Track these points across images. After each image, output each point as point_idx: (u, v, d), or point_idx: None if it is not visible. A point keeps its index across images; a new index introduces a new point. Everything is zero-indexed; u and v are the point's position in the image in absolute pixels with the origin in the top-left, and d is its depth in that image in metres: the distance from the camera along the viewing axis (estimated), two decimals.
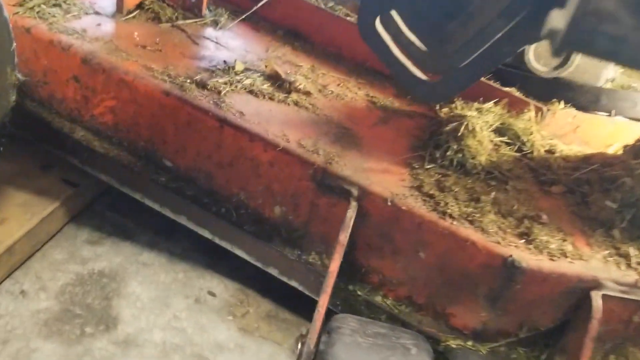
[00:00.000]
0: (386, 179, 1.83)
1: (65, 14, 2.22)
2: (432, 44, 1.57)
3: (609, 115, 2.31)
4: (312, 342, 1.55)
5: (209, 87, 2.02)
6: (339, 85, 2.34)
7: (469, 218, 1.72)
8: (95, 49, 2.05)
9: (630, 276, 1.70)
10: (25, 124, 2.22)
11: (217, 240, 2.08)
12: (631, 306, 1.67)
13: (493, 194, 1.85)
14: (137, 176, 2.11)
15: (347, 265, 1.81)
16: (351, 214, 1.69)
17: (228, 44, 2.40)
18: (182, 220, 2.11)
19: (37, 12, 2.17)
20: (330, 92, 2.25)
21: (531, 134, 2.12)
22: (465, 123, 1.93)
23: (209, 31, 2.47)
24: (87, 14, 2.28)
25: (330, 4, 2.74)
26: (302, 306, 2.24)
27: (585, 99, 2.32)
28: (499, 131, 2.11)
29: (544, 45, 2.43)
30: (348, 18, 2.60)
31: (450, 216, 1.71)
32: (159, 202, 2.12)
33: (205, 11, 2.53)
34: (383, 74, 2.49)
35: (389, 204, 1.73)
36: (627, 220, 1.83)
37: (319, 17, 2.59)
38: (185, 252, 2.35)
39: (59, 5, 2.27)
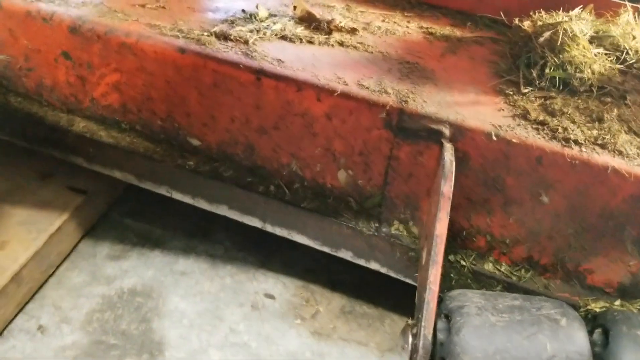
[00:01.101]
0: (480, 111, 1.50)
1: None
2: None
3: None
4: (429, 331, 1.23)
5: (232, 37, 1.70)
6: (383, 21, 2.02)
7: (599, 142, 1.40)
8: (84, 13, 1.74)
9: None
10: (12, 126, 1.92)
11: (269, 228, 1.77)
12: None
13: (615, 110, 1.53)
14: (159, 165, 1.80)
15: None
16: (449, 157, 1.37)
17: None
18: (222, 210, 1.79)
19: None
20: (376, 28, 1.93)
21: (634, 40, 1.79)
22: (564, 29, 1.60)
23: None
24: None
25: None
26: (381, 295, 1.93)
27: None
28: (594, 41, 1.78)
29: None
30: None
31: (576, 142, 1.39)
32: (190, 192, 1.81)
33: None
34: (431, 4, 2.17)
35: (494, 139, 1.41)
36: None
37: None
38: (228, 253, 2.04)
39: None
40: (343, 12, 2.03)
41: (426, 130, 1.45)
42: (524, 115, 1.50)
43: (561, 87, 1.62)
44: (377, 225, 1.62)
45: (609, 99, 1.60)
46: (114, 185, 2.09)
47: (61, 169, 2.05)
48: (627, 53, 1.77)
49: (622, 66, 1.76)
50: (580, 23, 1.74)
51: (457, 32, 1.99)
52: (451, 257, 1.54)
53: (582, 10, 1.84)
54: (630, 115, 1.52)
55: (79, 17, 1.71)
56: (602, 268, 1.45)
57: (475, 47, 1.90)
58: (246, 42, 1.69)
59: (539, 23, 1.70)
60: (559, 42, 1.59)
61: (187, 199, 1.82)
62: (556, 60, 1.60)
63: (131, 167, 1.87)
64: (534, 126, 1.46)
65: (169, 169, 1.78)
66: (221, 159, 1.74)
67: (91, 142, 1.85)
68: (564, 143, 1.40)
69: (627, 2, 1.88)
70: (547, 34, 1.62)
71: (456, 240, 1.54)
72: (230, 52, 1.63)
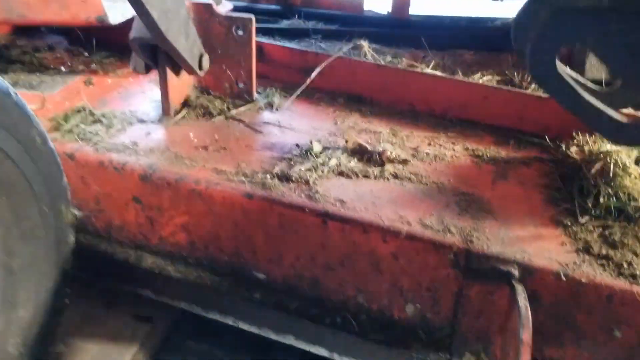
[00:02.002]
0: (543, 246, 1.56)
1: (108, 130, 2.04)
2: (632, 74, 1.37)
3: None
4: None
5: (293, 178, 1.79)
6: (430, 144, 2.11)
7: None
8: (153, 161, 1.85)
9: None
10: (80, 262, 2.00)
11: (336, 357, 1.80)
12: None
13: None
14: (225, 297, 1.86)
15: None
16: (524, 301, 1.41)
17: (292, 125, 2.20)
18: (289, 340, 1.84)
19: (77, 134, 1.99)
20: (425, 154, 2.02)
21: None
22: (615, 160, 1.67)
23: (267, 115, 2.28)
24: (131, 124, 2.11)
25: (389, 59, 2.56)
26: None
27: None
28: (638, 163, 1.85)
29: None
30: (412, 69, 2.41)
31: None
32: (257, 323, 1.86)
33: (255, 94, 2.36)
34: (470, 121, 2.27)
35: (564, 278, 1.45)
36: None
37: (381, 74, 2.41)
38: None
39: (100, 122, 2.10)
40: (389, 137, 2.12)
41: (495, 271, 1.50)
42: (587, 249, 1.54)
43: (619, 215, 1.67)
44: (447, 357, 1.64)
45: None
46: (175, 309, 2.14)
47: (125, 296, 2.11)
48: None
49: None
50: (624, 147, 1.81)
51: (502, 153, 2.07)
52: None
53: None
54: None
55: (149, 165, 1.82)
56: None
57: (523, 168, 1.97)
58: (307, 182, 1.78)
59: (586, 149, 1.78)
60: (610, 173, 1.66)
61: (253, 329, 1.87)
62: (609, 190, 1.66)
63: (197, 298, 1.93)
64: (599, 261, 1.50)
65: (235, 301, 1.84)
66: (286, 291, 1.79)
67: (159, 276, 1.93)
68: (631, 280, 1.43)
69: None
70: (598, 165, 1.69)
71: None
72: (293, 194, 1.71)
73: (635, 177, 1.67)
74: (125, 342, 1.96)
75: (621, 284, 1.42)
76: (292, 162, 1.90)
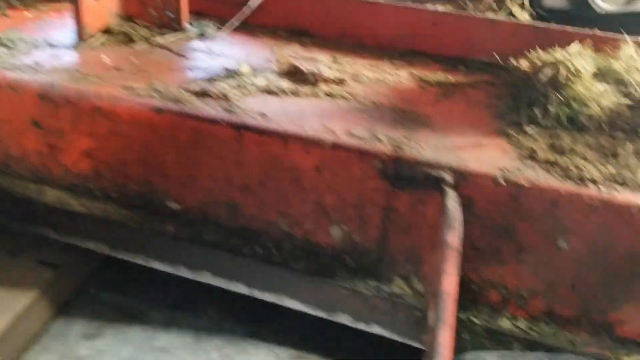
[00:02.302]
0: (483, 154, 1.38)
1: (10, 51, 1.83)
2: None
3: None
4: None
5: (212, 94, 1.60)
6: (373, 71, 1.93)
7: (618, 179, 1.26)
8: (55, 79, 1.65)
9: None
10: None
11: (256, 294, 1.61)
12: None
13: (630, 145, 1.40)
14: (135, 233, 1.66)
15: None
16: (454, 204, 1.23)
17: (224, 52, 2.01)
18: (206, 277, 1.64)
19: None
20: (366, 77, 1.84)
21: (638, 73, 1.69)
22: (565, 66, 1.50)
23: (197, 44, 2.08)
24: (39, 48, 1.89)
25: None
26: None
27: None
28: (598, 77, 1.68)
29: None
30: None
31: (593, 181, 1.25)
32: (170, 260, 1.66)
33: (187, 25, 2.16)
34: (420, 52, 2.09)
35: (502, 182, 1.27)
36: None
37: (325, 4, 2.22)
38: (214, 325, 1.86)
39: (3, 45, 1.88)
40: (330, 64, 1.94)
41: (426, 177, 1.31)
42: (532, 156, 1.37)
43: (570, 125, 1.50)
44: (376, 284, 1.46)
45: (620, 135, 1.48)
46: (89, 257, 1.93)
47: (33, 243, 1.90)
48: (633, 88, 1.67)
49: (629, 101, 1.65)
50: (580, 59, 1.64)
51: (451, 78, 1.90)
52: (461, 315, 1.37)
53: (580, 46, 1.74)
54: None
55: (49, 83, 1.61)
56: (633, 318, 1.28)
57: (471, 90, 1.80)
58: (226, 98, 1.59)
59: (537, 61, 1.60)
60: (561, 79, 1.49)
61: (166, 268, 1.66)
62: (560, 97, 1.49)
63: (105, 236, 1.73)
64: (543, 167, 1.32)
65: (146, 237, 1.64)
66: (202, 222, 1.60)
67: (63, 212, 1.72)
68: (579, 182, 1.26)
69: (626, 36, 1.80)
70: (547, 71, 1.52)
71: (467, 296, 1.38)
72: (210, 109, 1.52)
73: (589, 83, 1.50)
74: (24, 289, 1.75)
75: (568, 187, 1.25)
76: (215, 82, 1.70)
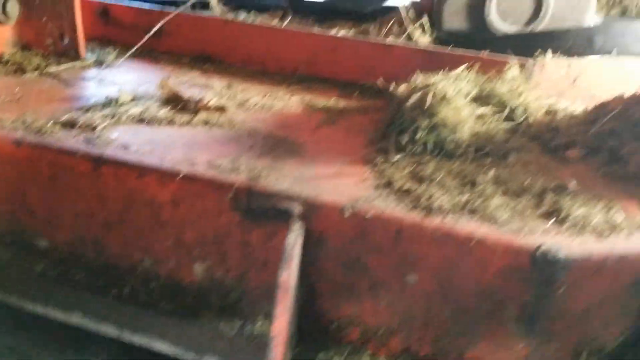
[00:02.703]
0: (341, 183, 1.35)
1: None
2: None
3: (612, 56, 1.89)
4: None
5: (79, 125, 1.55)
6: (264, 97, 1.90)
7: (467, 208, 1.23)
8: None
9: None
10: None
11: (126, 337, 1.54)
12: None
13: (492, 172, 1.38)
14: (5, 272, 1.60)
15: (310, 324, 1.30)
16: (293, 239, 1.19)
17: (116, 80, 1.97)
18: (76, 318, 1.57)
19: None
20: (253, 104, 1.80)
21: (520, 96, 1.68)
22: (433, 91, 1.48)
23: (92, 72, 2.05)
24: None
25: (242, 17, 2.36)
26: None
27: (575, 44, 1.90)
28: (479, 100, 1.67)
29: (508, 1, 2.06)
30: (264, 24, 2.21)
31: (440, 211, 1.22)
32: (41, 300, 1.59)
33: (84, 53, 2.12)
34: (321, 77, 2.07)
35: (348, 213, 1.23)
36: None
37: (229, 31, 2.20)
38: None
39: None
40: (222, 90, 1.91)
41: (275, 209, 1.27)
42: (389, 184, 1.33)
43: (438, 151, 1.47)
44: (240, 323, 1.41)
45: (488, 160, 1.45)
46: None
47: None
48: (515, 110, 1.66)
49: (511, 123, 1.64)
50: (459, 84, 1.63)
51: (342, 103, 1.87)
52: (323, 356, 1.33)
53: (465, 69, 1.73)
54: (508, 176, 1.37)
55: None
56: (489, 355, 1.24)
57: (357, 116, 1.77)
58: (94, 128, 1.55)
59: (412, 86, 1.58)
60: (427, 105, 1.46)
61: (38, 308, 1.60)
62: (427, 123, 1.46)
63: None
64: (396, 196, 1.29)
65: (17, 276, 1.58)
66: (71, 260, 1.54)
67: None
68: (426, 212, 1.22)
69: (511, 58, 1.79)
70: (415, 97, 1.49)
71: (326, 333, 1.33)
72: (70, 140, 1.47)
73: (456, 109, 1.47)
74: None
75: (411, 217, 1.21)
76: (89, 112, 1.66)
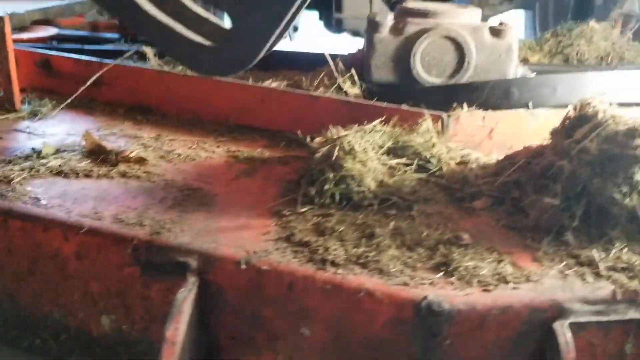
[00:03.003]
0: (242, 236, 1.37)
1: None
2: None
3: (528, 109, 1.96)
4: None
5: None
6: (190, 148, 1.93)
7: (360, 260, 1.26)
8: None
9: (604, 288, 1.24)
10: None
11: None
12: (617, 331, 1.20)
13: (392, 223, 1.41)
14: None
15: None
16: (183, 294, 1.20)
17: (46, 132, 2.00)
18: None
19: None
20: (176, 155, 1.84)
21: (433, 147, 1.73)
22: (340, 144, 1.52)
23: (24, 124, 2.07)
24: None
25: (180, 68, 2.41)
26: None
27: (493, 96, 1.98)
28: (394, 152, 1.72)
29: (432, 54, 2.14)
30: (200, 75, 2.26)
31: (333, 263, 1.25)
32: None
33: (19, 105, 2.15)
34: (251, 127, 2.12)
35: (244, 266, 1.25)
36: (579, 216, 1.40)
37: (164, 81, 2.25)
38: None
39: None
40: (149, 141, 1.94)
41: (172, 263, 1.29)
42: (289, 238, 1.36)
43: (345, 203, 1.51)
44: None
45: (393, 212, 1.49)
46: None
47: None
48: (428, 161, 1.71)
49: (424, 174, 1.69)
50: (373, 136, 1.68)
51: (267, 153, 1.91)
52: None
53: (380, 122, 1.78)
54: (408, 228, 1.41)
55: None
56: None
57: (278, 167, 1.81)
58: (10, 181, 1.56)
59: (325, 138, 1.63)
60: (334, 158, 1.51)
61: None
62: (333, 175, 1.50)
63: None
64: (294, 249, 1.32)
65: None
66: None
67: None
68: (319, 266, 1.25)
69: (427, 111, 1.85)
70: (324, 150, 1.54)
71: None
72: None
73: (363, 162, 1.52)
74: None
75: (304, 269, 1.24)
76: (9, 164, 1.68)
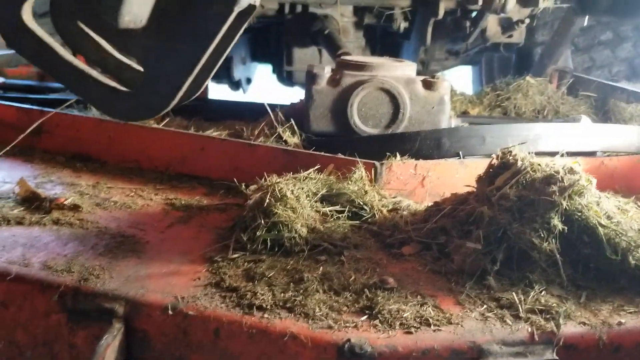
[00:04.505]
0: (171, 282, 1.38)
1: None
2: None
3: (458, 158, 2.06)
4: None
5: None
6: (127, 195, 1.94)
7: (287, 305, 1.29)
8: None
9: (522, 330, 1.30)
10: None
11: None
12: None
13: (321, 268, 1.45)
14: None
15: None
16: (109, 340, 1.21)
17: None
18: None
19: None
20: (112, 203, 1.84)
21: (366, 195, 1.80)
22: (272, 191, 1.57)
23: None
24: None
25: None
26: None
27: (425, 146, 2.07)
28: (328, 199, 1.77)
29: (368, 105, 2.23)
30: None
31: (260, 308, 1.27)
32: None
33: None
34: (191, 175, 2.14)
35: (170, 312, 1.26)
36: (500, 260, 1.47)
37: (105, 129, 2.27)
38: None
39: None
40: (86, 189, 1.95)
41: (99, 310, 1.29)
42: (218, 283, 1.38)
43: (278, 249, 1.54)
44: None
45: (323, 257, 1.53)
46: None
47: None
48: (361, 208, 1.77)
49: (357, 222, 1.74)
50: (307, 184, 1.73)
51: (205, 201, 1.93)
52: None
53: (315, 171, 1.84)
54: (336, 273, 1.45)
55: None
56: None
57: (215, 214, 1.84)
58: None
59: (258, 187, 1.67)
60: (265, 204, 1.55)
61: None
62: (265, 221, 1.54)
63: None
64: (222, 294, 1.34)
65: None
66: None
67: None
68: (246, 311, 1.27)
69: (360, 160, 1.92)
70: (257, 196, 1.58)
71: None
72: None
73: (293, 208, 1.57)
74: None
75: (231, 315, 1.26)
76: None
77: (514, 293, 1.41)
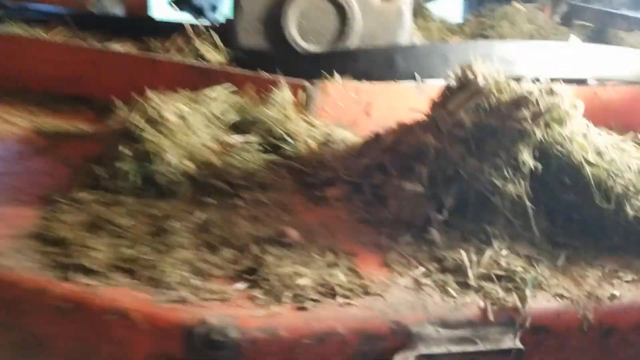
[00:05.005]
0: None
1: None
2: None
3: (415, 81, 1.63)
4: None
5: None
6: None
7: (127, 266, 0.87)
8: None
9: (471, 305, 0.90)
10: None
11: None
12: None
13: (202, 216, 1.03)
14: None
15: None
16: None
17: None
18: None
19: None
20: None
21: (289, 122, 1.37)
22: (142, 110, 1.14)
23: None
24: None
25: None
26: None
27: (374, 67, 1.64)
28: (240, 126, 1.35)
29: (310, 16, 1.78)
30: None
31: (86, 270, 0.86)
32: None
33: None
34: (81, 97, 1.71)
35: None
36: (449, 207, 1.07)
37: None
38: None
39: None
40: None
41: None
42: (42, 234, 0.97)
43: (149, 188, 1.12)
44: None
45: (211, 200, 1.12)
46: None
47: None
48: (283, 140, 1.35)
49: (276, 157, 1.32)
50: (207, 106, 1.30)
51: (85, 127, 1.52)
52: None
53: (225, 89, 1.41)
54: (221, 222, 1.04)
55: None
56: None
57: (89, 144, 1.41)
58: None
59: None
60: (135, 128, 1.12)
61: None
62: (130, 151, 1.11)
63: None
64: (42, 249, 0.93)
65: None
66: None
67: None
68: (61, 272, 0.86)
69: (286, 80, 1.48)
70: (122, 119, 1.15)
71: None
72: None
73: (169, 132, 1.14)
74: None
75: (36, 279, 0.85)
76: None
77: (462, 251, 1.00)
